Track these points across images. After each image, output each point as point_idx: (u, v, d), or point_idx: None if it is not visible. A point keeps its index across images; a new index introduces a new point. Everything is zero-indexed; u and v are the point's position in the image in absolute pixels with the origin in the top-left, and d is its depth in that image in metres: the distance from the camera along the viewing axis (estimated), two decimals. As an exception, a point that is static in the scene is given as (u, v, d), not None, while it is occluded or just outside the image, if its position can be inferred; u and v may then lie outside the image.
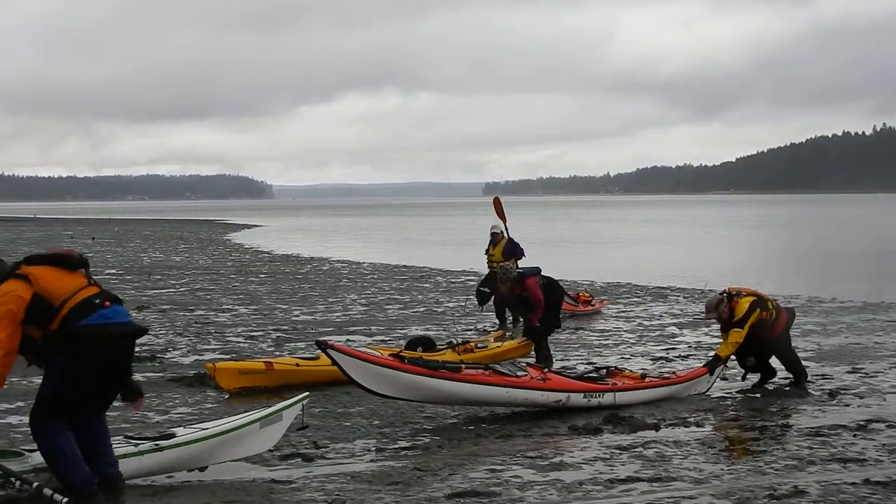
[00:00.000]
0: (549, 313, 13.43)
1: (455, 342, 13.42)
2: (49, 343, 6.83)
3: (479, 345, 13.43)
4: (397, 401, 10.02)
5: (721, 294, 12.04)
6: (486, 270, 19.13)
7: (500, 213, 18.93)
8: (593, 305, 20.43)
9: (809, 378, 12.11)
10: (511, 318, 17.83)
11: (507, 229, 18.59)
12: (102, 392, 7.03)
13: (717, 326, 12.37)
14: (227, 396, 11.15)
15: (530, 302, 13.37)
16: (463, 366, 10.22)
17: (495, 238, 18.80)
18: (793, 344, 12.24)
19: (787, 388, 11.81)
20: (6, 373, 6.77)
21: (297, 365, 11.89)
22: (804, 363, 13.51)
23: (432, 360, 10.28)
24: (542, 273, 13.75)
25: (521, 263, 17.18)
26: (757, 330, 11.77)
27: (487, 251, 19.00)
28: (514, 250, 18.23)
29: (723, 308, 11.88)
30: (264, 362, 11.88)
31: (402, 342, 14.12)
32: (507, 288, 13.63)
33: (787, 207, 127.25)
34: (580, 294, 20.77)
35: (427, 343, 13.21)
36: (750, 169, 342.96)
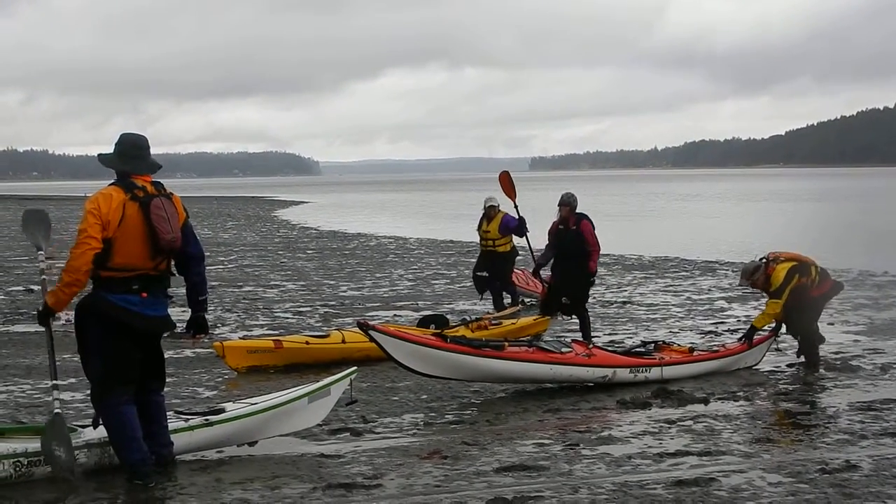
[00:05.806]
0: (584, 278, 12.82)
1: (469, 319, 13.14)
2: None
3: (493, 321, 13.23)
4: (441, 380, 10.02)
5: (760, 260, 11.67)
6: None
7: (509, 191, 15.56)
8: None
9: (820, 370, 11.32)
10: (493, 298, 16.39)
11: (516, 208, 15.38)
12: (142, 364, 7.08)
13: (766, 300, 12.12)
14: (272, 372, 11.20)
15: (584, 242, 12.70)
16: (506, 343, 10.19)
17: (490, 212, 16.30)
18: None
19: (798, 369, 11.44)
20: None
21: (307, 343, 11.73)
22: (855, 339, 13.40)
23: (476, 338, 10.23)
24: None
25: (521, 242, 16.33)
26: (797, 297, 11.38)
27: (480, 227, 16.54)
28: (517, 227, 15.71)
29: (758, 276, 11.52)
30: (273, 340, 11.75)
31: (451, 319, 13.96)
32: (565, 212, 12.85)
33: (836, 181, 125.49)
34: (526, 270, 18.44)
35: (440, 320, 12.91)
36: (799, 142, 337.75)
